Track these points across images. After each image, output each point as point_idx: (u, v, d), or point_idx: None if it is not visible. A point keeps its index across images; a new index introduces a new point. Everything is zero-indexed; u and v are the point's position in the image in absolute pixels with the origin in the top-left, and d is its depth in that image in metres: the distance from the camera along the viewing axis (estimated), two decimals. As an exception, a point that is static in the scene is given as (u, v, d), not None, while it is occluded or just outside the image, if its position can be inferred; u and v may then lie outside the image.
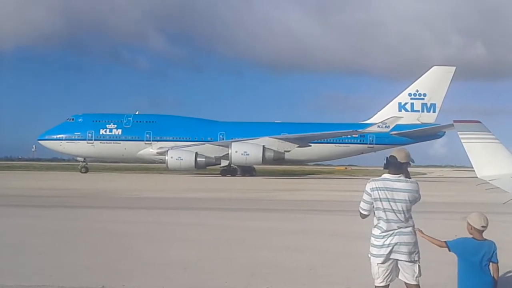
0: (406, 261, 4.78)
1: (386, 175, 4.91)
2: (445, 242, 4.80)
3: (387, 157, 4.98)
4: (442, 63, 51.69)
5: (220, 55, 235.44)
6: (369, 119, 50.47)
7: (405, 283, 4.88)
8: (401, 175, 4.89)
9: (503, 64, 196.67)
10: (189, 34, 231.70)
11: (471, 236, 4.79)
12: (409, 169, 4.98)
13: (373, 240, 4.85)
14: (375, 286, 4.88)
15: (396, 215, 4.77)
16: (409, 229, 4.81)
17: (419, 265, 4.85)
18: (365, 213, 4.97)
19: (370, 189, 4.87)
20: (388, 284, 4.86)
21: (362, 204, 4.95)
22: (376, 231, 4.84)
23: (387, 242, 4.74)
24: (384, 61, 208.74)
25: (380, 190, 4.81)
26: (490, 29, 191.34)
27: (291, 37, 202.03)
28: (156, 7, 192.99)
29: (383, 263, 4.77)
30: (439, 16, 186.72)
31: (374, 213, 4.89)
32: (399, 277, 4.87)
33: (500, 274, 4.79)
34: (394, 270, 4.84)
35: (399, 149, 5.15)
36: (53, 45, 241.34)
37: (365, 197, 4.91)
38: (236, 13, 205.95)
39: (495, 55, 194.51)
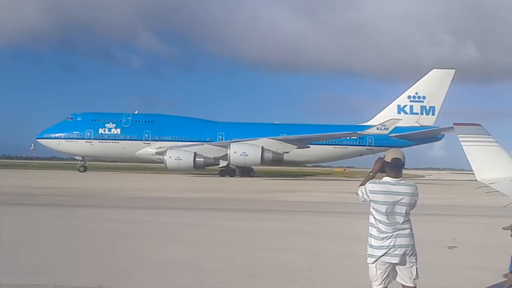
0: (404, 263, 4.76)
1: (386, 178, 4.86)
2: (510, 273, 4.64)
3: (386, 161, 4.88)
4: (434, 64, 51.96)
5: (212, 54, 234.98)
6: (368, 121, 50.48)
7: (403, 285, 4.85)
8: (401, 178, 4.85)
9: (495, 65, 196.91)
10: (180, 33, 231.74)
11: None
12: (408, 171, 4.94)
13: (372, 241, 4.82)
14: (373, 288, 4.85)
15: (395, 218, 4.74)
16: (407, 231, 4.78)
17: (416, 267, 4.82)
18: (361, 200, 4.97)
19: (369, 191, 4.83)
20: (386, 287, 4.83)
21: (360, 193, 4.93)
22: (374, 232, 4.81)
23: (386, 244, 4.72)
24: (376, 62, 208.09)
25: (379, 193, 4.78)
26: (481, 30, 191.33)
27: (282, 37, 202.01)
28: (147, 6, 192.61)
29: (381, 264, 4.74)
30: (430, 16, 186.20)
31: (373, 214, 4.86)
32: (397, 279, 4.85)
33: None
34: (392, 273, 4.81)
35: (395, 150, 5.02)
36: (45, 43, 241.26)
37: (364, 193, 4.87)
38: (225, 11, 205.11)
39: (487, 56, 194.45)
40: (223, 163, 45.48)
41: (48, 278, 6.80)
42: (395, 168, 4.86)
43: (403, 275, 4.80)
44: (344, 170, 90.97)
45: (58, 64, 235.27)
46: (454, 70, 50.32)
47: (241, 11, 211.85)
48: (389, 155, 4.92)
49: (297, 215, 16.15)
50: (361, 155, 49.97)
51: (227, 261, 8.43)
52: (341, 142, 48.29)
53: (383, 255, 4.71)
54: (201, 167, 45.81)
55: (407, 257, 4.75)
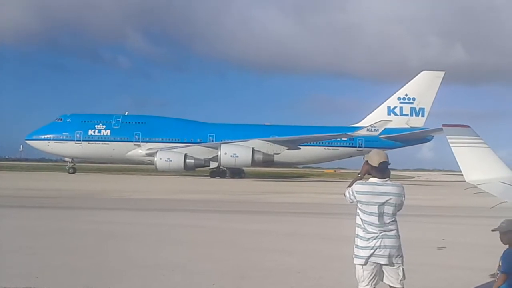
0: (390, 264, 4.78)
1: (373, 179, 4.89)
2: (501, 273, 4.68)
3: (373, 166, 4.87)
4: (422, 66, 52.45)
5: (201, 55, 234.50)
6: (358, 122, 50.71)
7: (390, 286, 4.87)
8: (387, 179, 4.89)
9: (483, 67, 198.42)
10: (169, 34, 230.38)
11: (507, 246, 4.72)
12: (398, 173, 4.97)
13: (358, 242, 4.83)
14: (360, 290, 4.86)
15: (381, 218, 4.76)
16: (394, 232, 4.80)
17: (403, 269, 4.84)
18: (348, 201, 4.99)
19: (356, 191, 4.85)
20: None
21: (347, 194, 4.95)
22: (361, 233, 4.83)
23: (372, 244, 4.74)
24: (366, 64, 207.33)
25: (366, 194, 4.80)
26: (470, 32, 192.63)
27: (271, 38, 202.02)
28: (136, 7, 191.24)
29: (367, 265, 4.76)
30: (419, 18, 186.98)
31: (359, 215, 4.88)
32: (384, 280, 4.86)
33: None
34: (379, 274, 4.82)
35: (379, 153, 4.99)
36: (33, 44, 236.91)
37: (351, 194, 4.89)
38: (215, 12, 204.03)
39: (475, 58, 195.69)
40: (213, 165, 45.42)
41: (38, 281, 6.75)
42: (383, 171, 4.89)
43: (390, 276, 4.82)
44: (335, 171, 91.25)
45: (47, 65, 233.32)
46: (443, 72, 50.71)
47: (230, 12, 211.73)
48: (375, 159, 4.90)
49: (288, 217, 16.17)
50: (351, 156, 50.16)
51: (219, 262, 8.42)
52: (331, 143, 48.42)
53: (370, 255, 4.73)
54: (191, 169, 45.69)
55: (393, 258, 4.77)
